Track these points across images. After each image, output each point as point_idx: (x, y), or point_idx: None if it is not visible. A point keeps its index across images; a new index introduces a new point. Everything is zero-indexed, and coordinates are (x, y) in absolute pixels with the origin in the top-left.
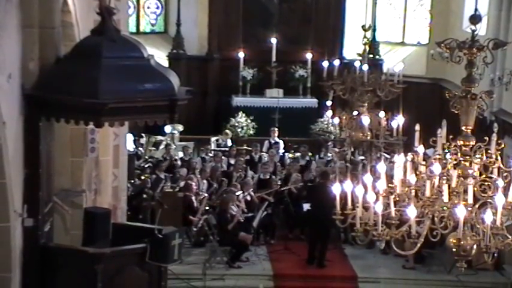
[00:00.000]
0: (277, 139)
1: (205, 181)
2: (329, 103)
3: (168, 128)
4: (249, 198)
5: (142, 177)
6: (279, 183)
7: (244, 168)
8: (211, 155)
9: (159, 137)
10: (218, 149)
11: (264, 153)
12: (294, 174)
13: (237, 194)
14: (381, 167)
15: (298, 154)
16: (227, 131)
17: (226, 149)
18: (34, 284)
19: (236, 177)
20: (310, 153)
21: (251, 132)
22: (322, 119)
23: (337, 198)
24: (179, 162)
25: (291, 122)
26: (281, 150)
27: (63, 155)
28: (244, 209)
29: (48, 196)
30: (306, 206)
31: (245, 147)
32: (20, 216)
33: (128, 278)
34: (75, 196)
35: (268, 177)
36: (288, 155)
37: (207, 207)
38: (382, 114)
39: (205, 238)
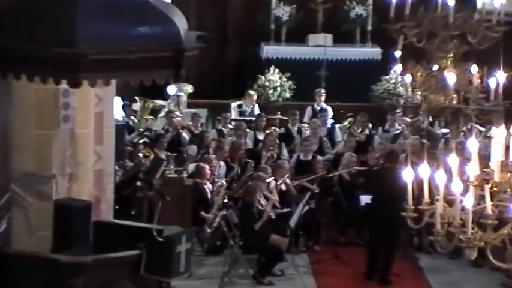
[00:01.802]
0: (323, 105)
1: (223, 163)
2: (398, 54)
3: (171, 89)
4: (284, 187)
5: (143, 156)
6: (326, 166)
7: (277, 145)
8: (231, 126)
9: (159, 102)
10: (241, 118)
11: (305, 125)
12: (347, 155)
13: (268, 181)
14: (472, 144)
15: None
16: (251, 91)
17: (253, 118)
18: None
19: (266, 158)
20: (370, 125)
21: (287, 95)
22: (387, 77)
23: (409, 187)
24: (187, 137)
25: (344, 81)
26: (329, 121)
27: (25, 125)
28: (278, 202)
29: (4, 183)
30: (365, 199)
31: (279, 116)
32: None
33: None
34: (43, 183)
35: (310, 158)
36: (339, 127)
37: (225, 200)
38: (474, 69)
39: (223, 242)
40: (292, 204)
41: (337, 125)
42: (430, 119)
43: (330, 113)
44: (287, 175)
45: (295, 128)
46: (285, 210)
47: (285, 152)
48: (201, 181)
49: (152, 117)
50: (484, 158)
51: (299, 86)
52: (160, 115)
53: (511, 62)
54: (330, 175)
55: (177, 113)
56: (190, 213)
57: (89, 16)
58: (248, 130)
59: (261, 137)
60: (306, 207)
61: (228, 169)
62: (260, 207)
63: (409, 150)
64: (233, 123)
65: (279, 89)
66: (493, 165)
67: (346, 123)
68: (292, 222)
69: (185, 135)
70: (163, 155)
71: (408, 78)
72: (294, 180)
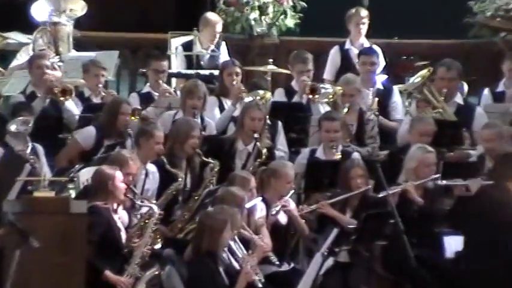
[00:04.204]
0: (366, 43)
1: (153, 167)
2: None
3: (41, 11)
4: (283, 218)
5: None
6: (375, 174)
7: (268, 128)
8: (169, 88)
9: (15, 37)
10: (192, 72)
11: (326, 86)
12: (418, 149)
13: (248, 206)
14: None
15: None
16: (212, 16)
17: (216, 72)
18: None
19: (245, 156)
20: (465, 85)
21: (288, 22)
22: None
23: None
24: (75, 111)
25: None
26: (379, 77)
27: None
28: (270, 252)
29: None
30: (454, 243)
31: (271, 67)
32: None
33: None
34: None
35: (339, 155)
36: (401, 90)
37: (158, 245)
38: None
39: None
40: (300, 255)
41: (395, 86)
42: None
43: (381, 60)
44: (291, 193)
45: (304, 96)
46: (286, 267)
47: (283, 141)
48: (105, 205)
49: (2, 70)
50: None
51: (312, 4)
52: (16, 61)
53: None
54: (382, 194)
55: (54, 59)
56: (82, 273)
57: None
58: (208, 97)
59: (230, 108)
60: (331, 261)
61: (165, 179)
62: (233, 262)
63: None
64: (175, 81)
65: (270, 9)
66: None
67: (415, 80)
68: None
69: (71, 105)
70: (24, 149)
71: None
72: (307, 204)
